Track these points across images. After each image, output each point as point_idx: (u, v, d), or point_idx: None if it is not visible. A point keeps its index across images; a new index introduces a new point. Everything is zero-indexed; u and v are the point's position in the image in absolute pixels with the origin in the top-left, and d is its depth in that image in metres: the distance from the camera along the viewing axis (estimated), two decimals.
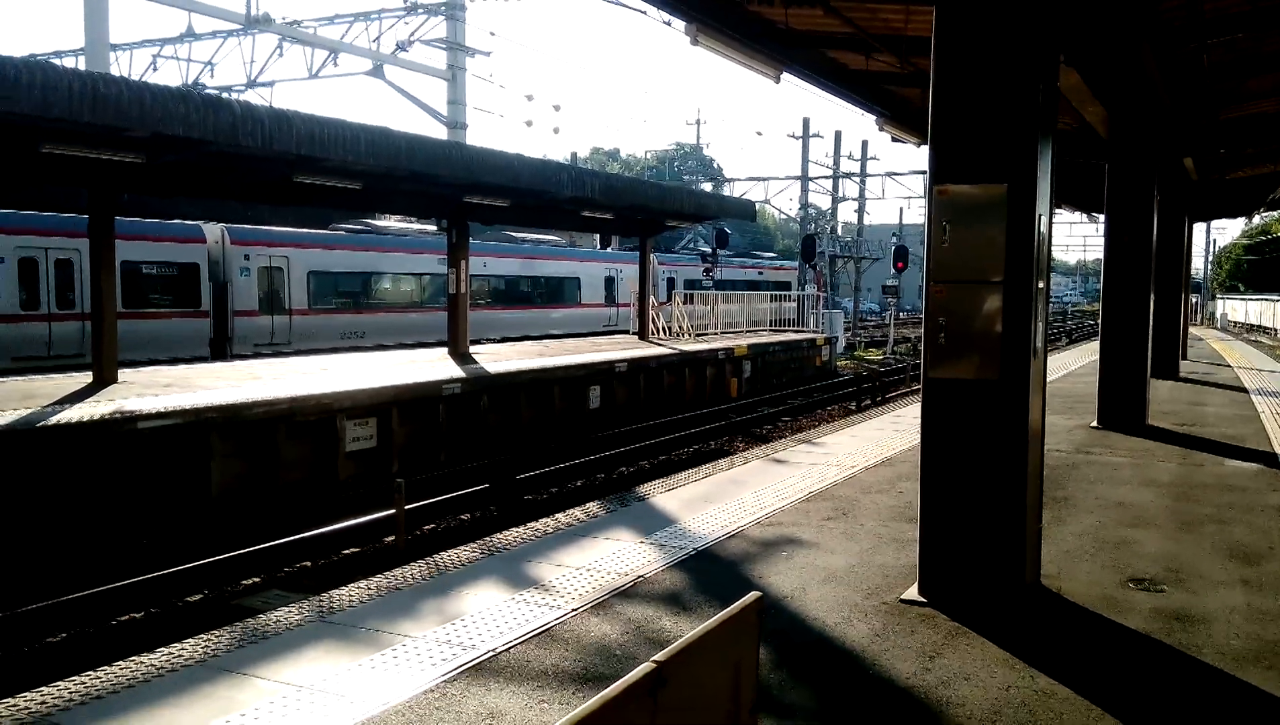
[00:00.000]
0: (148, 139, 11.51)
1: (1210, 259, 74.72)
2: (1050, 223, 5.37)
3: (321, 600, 5.28)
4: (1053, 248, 5.65)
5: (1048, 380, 5.67)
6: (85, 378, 13.78)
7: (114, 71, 25.81)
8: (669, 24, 7.83)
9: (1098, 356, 12.00)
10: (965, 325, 5.17)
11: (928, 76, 5.31)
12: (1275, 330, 51.31)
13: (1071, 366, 20.19)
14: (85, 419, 10.21)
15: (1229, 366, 21.34)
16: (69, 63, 27.35)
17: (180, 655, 4.47)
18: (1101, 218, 12.60)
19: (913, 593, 5.35)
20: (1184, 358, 20.99)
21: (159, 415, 10.77)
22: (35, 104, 9.76)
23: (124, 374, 14.04)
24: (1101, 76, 9.25)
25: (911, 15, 8.08)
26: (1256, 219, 51.39)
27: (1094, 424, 11.66)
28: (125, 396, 11.86)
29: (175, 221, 22.18)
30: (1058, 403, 13.34)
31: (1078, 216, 45.51)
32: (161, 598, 8.70)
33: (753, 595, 2.95)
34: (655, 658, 2.42)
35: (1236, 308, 64.41)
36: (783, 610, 5.13)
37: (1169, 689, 4.26)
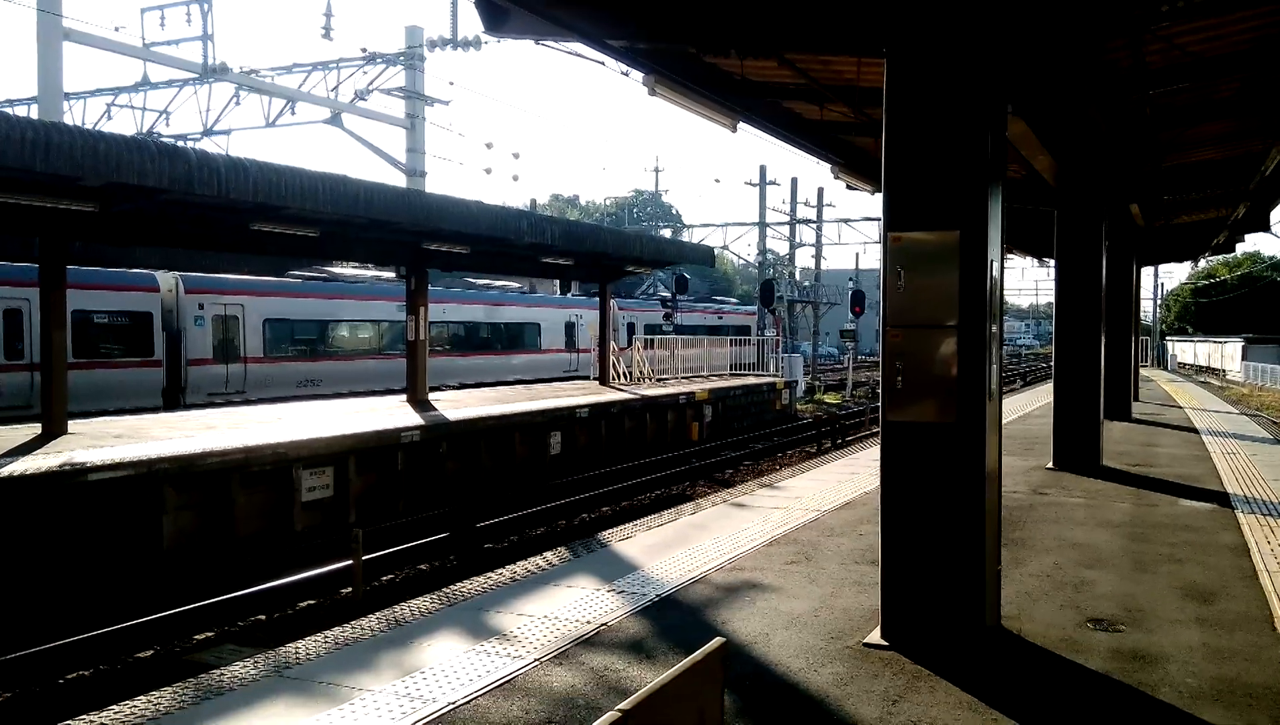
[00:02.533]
0: (101, 188, 11.41)
1: (1159, 302, 76.43)
2: (1002, 268, 5.47)
3: (277, 654, 5.18)
4: (1005, 292, 5.76)
5: (1004, 422, 5.75)
6: (34, 429, 13.48)
7: (68, 120, 25.59)
8: (627, 74, 7.94)
9: (1052, 399, 12.18)
10: (921, 369, 5.24)
11: (881, 126, 5.43)
12: (1223, 371, 52.44)
13: (1026, 408, 20.47)
14: (33, 471, 9.98)
15: (1180, 407, 21.75)
16: (22, 111, 27.10)
17: (131, 713, 4.35)
18: (1052, 262, 12.86)
19: (875, 636, 5.36)
20: (1136, 399, 21.37)
21: (109, 467, 10.55)
22: None
23: (74, 425, 13.76)
24: (1049, 126, 9.49)
25: (864, 67, 8.26)
26: (1202, 262, 52.75)
27: (1049, 465, 11.80)
28: (75, 448, 11.62)
29: (128, 270, 21.91)
30: (1014, 444, 13.50)
31: (1029, 261, 46.43)
32: (111, 654, 8.47)
33: (716, 641, 2.94)
34: (620, 706, 2.40)
35: (1185, 349, 65.83)
36: (747, 656, 5.11)
37: None
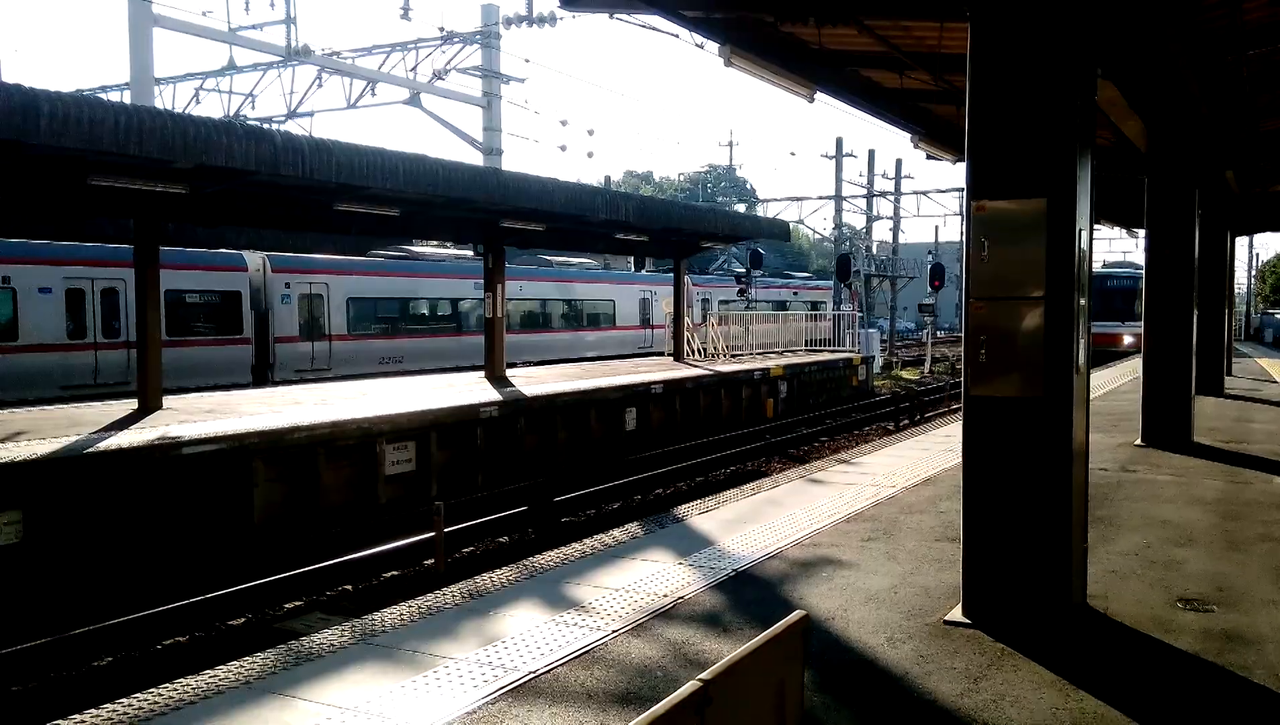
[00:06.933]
0: (192, 170, 11.74)
1: (1254, 273, 73.45)
2: (1091, 238, 5.31)
3: (363, 623, 5.31)
4: (1093, 263, 5.59)
5: (1091, 397, 5.60)
6: (131, 405, 14.01)
7: (158, 104, 26.37)
8: (701, 47, 7.88)
9: (1140, 373, 11.84)
10: (1006, 342, 5.12)
11: (963, 93, 5.30)
12: None
13: (1114, 383, 19.91)
14: (130, 445, 10.37)
15: (1276, 382, 20.94)
16: (115, 97, 27.99)
17: (225, 678, 4.51)
18: (1142, 233, 12.45)
19: (956, 614, 5.29)
20: (1229, 374, 20.63)
21: (202, 441, 10.92)
22: (83, 138, 9.99)
23: (168, 401, 14.26)
24: (1139, 90, 9.17)
25: (946, 32, 8.07)
26: None
27: (1138, 442, 11.48)
28: (169, 423, 12.04)
29: (218, 250, 22.56)
30: (1101, 420, 13.15)
31: (1117, 232, 45.00)
32: (205, 621, 8.79)
33: (797, 614, 2.93)
34: (701, 676, 2.41)
35: None
36: (824, 632, 5.09)
37: (1220, 711, 4.17)
